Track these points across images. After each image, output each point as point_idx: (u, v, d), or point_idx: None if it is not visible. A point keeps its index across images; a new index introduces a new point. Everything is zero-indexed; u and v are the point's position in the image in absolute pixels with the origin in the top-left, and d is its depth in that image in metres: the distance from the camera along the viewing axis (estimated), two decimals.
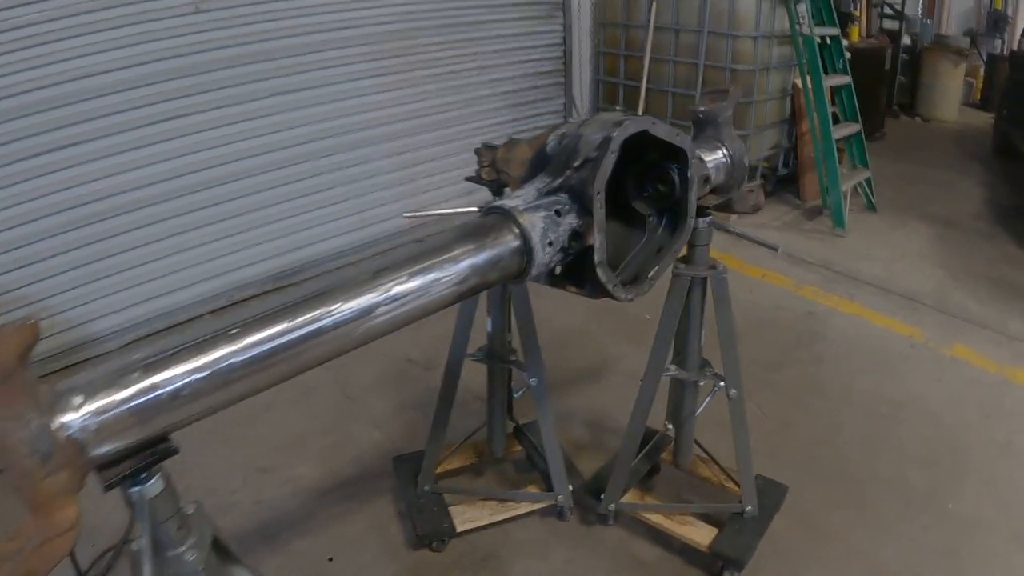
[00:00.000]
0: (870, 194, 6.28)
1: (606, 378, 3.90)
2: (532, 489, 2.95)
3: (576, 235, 1.51)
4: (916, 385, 3.88)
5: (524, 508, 2.89)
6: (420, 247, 1.37)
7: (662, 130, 1.68)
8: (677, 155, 1.79)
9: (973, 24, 11.98)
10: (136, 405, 1.09)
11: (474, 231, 1.42)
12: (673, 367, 2.39)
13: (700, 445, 2.87)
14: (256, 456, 3.63)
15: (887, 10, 10.06)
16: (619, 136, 1.51)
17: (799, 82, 5.81)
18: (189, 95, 4.62)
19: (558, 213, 1.49)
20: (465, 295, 1.40)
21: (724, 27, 5.57)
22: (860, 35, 8.68)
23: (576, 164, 1.54)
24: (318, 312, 1.26)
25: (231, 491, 3.45)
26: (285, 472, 3.52)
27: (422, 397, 2.93)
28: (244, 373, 1.20)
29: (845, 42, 6.20)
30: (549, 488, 2.85)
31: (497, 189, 2.23)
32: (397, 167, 5.82)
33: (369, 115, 5.55)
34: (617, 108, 1.93)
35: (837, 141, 5.73)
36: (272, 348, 1.22)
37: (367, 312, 1.29)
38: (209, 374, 1.16)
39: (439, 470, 3.13)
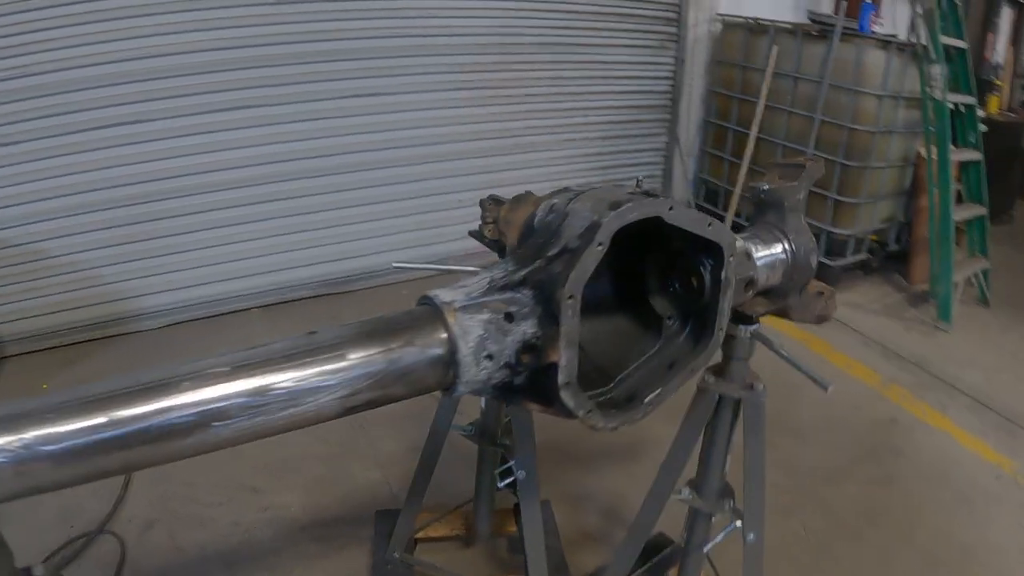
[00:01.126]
0: (985, 285, 5.58)
1: (638, 461, 3.47)
2: None
3: (531, 348, 1.14)
4: (995, 530, 3.26)
5: None
6: (304, 340, 1.04)
7: (684, 218, 1.29)
8: (713, 246, 1.41)
9: None
10: None
11: (385, 328, 1.07)
12: (687, 490, 1.97)
13: (713, 565, 2.44)
14: (247, 472, 3.41)
15: None
16: (610, 224, 1.13)
17: (924, 151, 5.21)
18: (259, 87, 4.49)
19: (509, 318, 1.12)
20: (357, 409, 1.06)
21: (848, 81, 5.03)
22: (999, 107, 7.85)
23: (551, 253, 1.17)
24: (146, 408, 0.96)
25: (213, 504, 3.25)
26: (270, 496, 3.29)
27: None
28: (42, 466, 0.94)
29: (981, 113, 5.53)
30: None
31: (501, 251, 1.87)
32: (473, 187, 5.53)
33: (451, 129, 5.29)
34: (639, 178, 1.56)
35: (957, 223, 5.10)
36: (85, 443, 0.95)
37: (211, 418, 0.97)
38: (9, 457, 0.92)
39: (423, 535, 2.82)
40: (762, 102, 5.68)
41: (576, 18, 5.49)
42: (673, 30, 6.01)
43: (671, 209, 1.23)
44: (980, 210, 5.47)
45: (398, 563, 2.63)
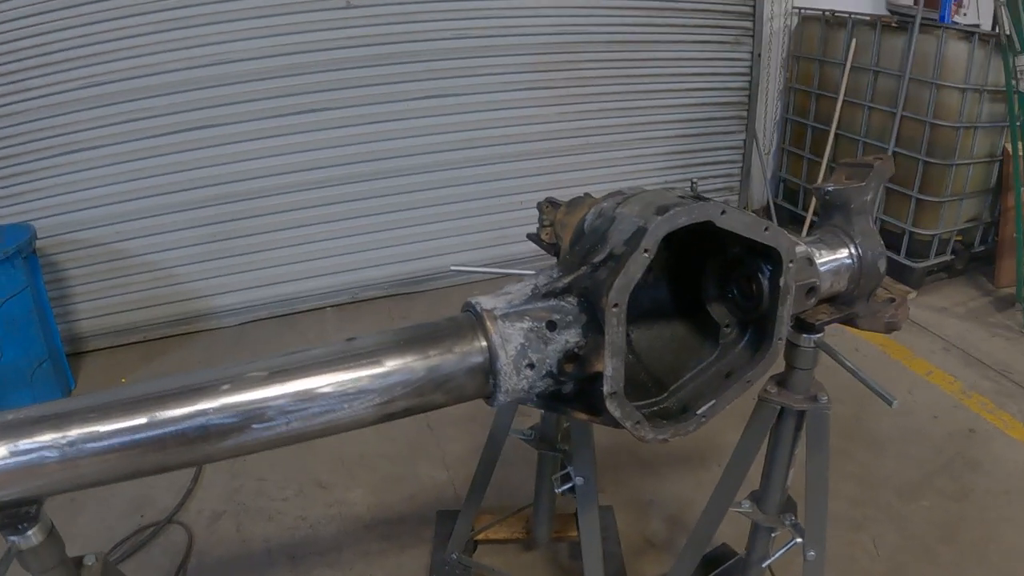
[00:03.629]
0: None
1: (708, 468, 3.39)
2: None
3: (574, 357, 1.12)
4: None
5: None
6: (342, 347, 1.04)
7: (738, 222, 1.23)
8: (772, 252, 1.35)
9: None
10: None
11: (424, 335, 1.07)
12: (747, 503, 1.91)
13: None
14: (318, 468, 3.49)
15: None
16: (656, 230, 1.10)
17: (1011, 147, 4.92)
18: (332, 90, 4.59)
19: (551, 326, 1.10)
20: (395, 416, 1.06)
21: (929, 74, 4.80)
22: None
23: (597, 259, 1.14)
24: (186, 410, 0.99)
25: (282, 498, 3.33)
26: (338, 492, 3.35)
27: (505, 446, 2.60)
28: (85, 462, 1.00)
29: None
30: None
31: (558, 254, 1.84)
32: (544, 187, 5.47)
33: (519, 129, 5.26)
34: (693, 181, 1.50)
35: None
36: (126, 442, 1.01)
37: (248, 421, 0.99)
38: (56, 454, 0.99)
39: (483, 537, 2.81)
40: (841, 97, 5.48)
41: (647, 14, 5.38)
42: (748, 24, 5.84)
43: (723, 213, 1.18)
44: None
45: (456, 564, 2.64)
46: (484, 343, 1.06)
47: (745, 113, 6.24)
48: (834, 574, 2.80)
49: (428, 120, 4.91)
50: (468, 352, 1.06)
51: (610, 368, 1.12)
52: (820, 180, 5.64)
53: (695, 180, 1.32)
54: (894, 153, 5.11)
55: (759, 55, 6.00)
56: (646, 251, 1.09)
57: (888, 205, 5.31)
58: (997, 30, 4.57)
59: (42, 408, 1.02)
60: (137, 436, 0.98)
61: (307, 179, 4.73)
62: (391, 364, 1.02)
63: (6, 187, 4.19)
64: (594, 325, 1.12)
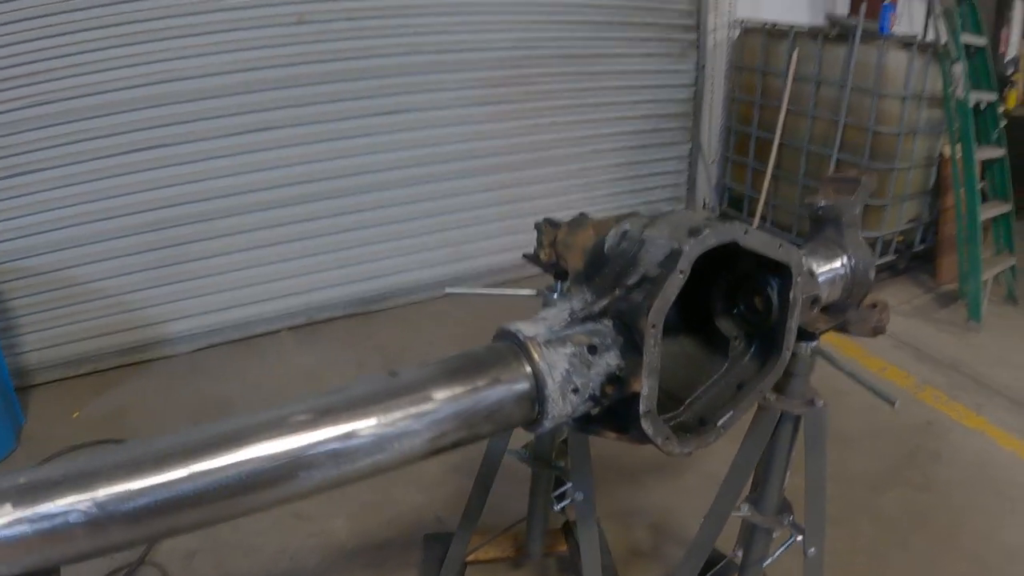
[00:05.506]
0: (1013, 283, 5.51)
1: (685, 476, 3.44)
2: None
3: (615, 379, 1.13)
4: None
5: None
6: (387, 382, 1.03)
7: (757, 240, 1.27)
8: (779, 267, 1.39)
9: None
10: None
11: (469, 365, 1.06)
12: (746, 506, 1.95)
13: None
14: None
15: None
16: (692, 252, 1.12)
17: (948, 151, 5.15)
18: (283, 107, 4.52)
19: (592, 350, 1.11)
20: (444, 450, 1.04)
21: (870, 83, 4.99)
22: (1018, 101, 7.70)
23: (630, 282, 1.16)
24: (227, 461, 0.94)
25: (259, 532, 3.24)
26: (318, 523, 3.28)
27: (479, 463, 2.57)
28: (116, 525, 0.91)
29: (1001, 108, 5.47)
30: None
31: (558, 274, 1.86)
32: (496, 202, 5.52)
33: (472, 145, 5.28)
34: (706, 204, 1.54)
35: (983, 221, 5.04)
36: (161, 500, 0.92)
37: (295, 468, 0.96)
38: (81, 518, 0.89)
39: (472, 558, 2.79)
40: (784, 107, 5.64)
41: (596, 28, 5.48)
42: (694, 37, 5.98)
43: (746, 233, 1.22)
44: (1005, 207, 5.40)
45: None
46: (530, 370, 1.06)
47: (691, 124, 6.37)
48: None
49: (381, 138, 4.89)
50: (515, 380, 1.05)
51: (646, 387, 1.13)
52: (766, 187, 5.79)
53: (707, 198, 1.34)
54: (838, 160, 5.29)
55: (703, 66, 6.13)
56: (681, 272, 1.11)
57: None
58: (933, 39, 4.78)
59: (63, 467, 0.95)
60: (174, 492, 0.91)
61: (258, 200, 4.65)
62: (439, 397, 1.01)
63: None
64: (630, 346, 1.13)
